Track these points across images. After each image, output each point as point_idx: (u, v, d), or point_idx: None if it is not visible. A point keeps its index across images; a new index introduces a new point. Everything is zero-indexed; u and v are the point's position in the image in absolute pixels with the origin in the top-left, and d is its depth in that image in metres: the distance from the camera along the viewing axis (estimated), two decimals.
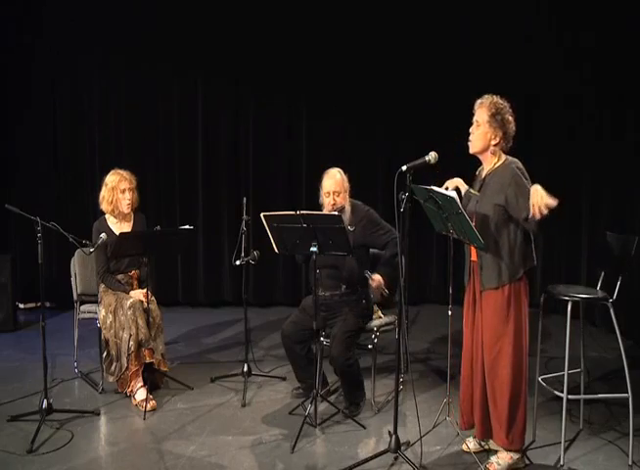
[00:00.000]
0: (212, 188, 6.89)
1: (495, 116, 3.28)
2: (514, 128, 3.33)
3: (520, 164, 3.30)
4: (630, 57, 5.62)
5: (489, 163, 3.37)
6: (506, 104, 3.33)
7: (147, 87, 6.72)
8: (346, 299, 4.16)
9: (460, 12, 6.40)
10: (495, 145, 3.32)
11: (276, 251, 4.05)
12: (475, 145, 3.36)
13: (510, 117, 3.31)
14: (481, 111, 3.33)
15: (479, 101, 3.37)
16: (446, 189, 3.38)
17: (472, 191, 3.44)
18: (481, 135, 3.32)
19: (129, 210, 4.54)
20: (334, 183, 4.16)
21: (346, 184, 4.20)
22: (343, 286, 4.15)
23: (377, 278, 4.11)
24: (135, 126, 6.77)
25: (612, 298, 3.55)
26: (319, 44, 6.60)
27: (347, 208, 4.18)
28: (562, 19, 6.21)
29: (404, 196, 3.27)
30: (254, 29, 6.60)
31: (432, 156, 3.33)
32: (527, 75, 6.35)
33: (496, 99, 3.33)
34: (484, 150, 3.35)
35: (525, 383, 3.35)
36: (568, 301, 3.51)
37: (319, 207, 4.26)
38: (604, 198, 6.08)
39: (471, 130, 3.37)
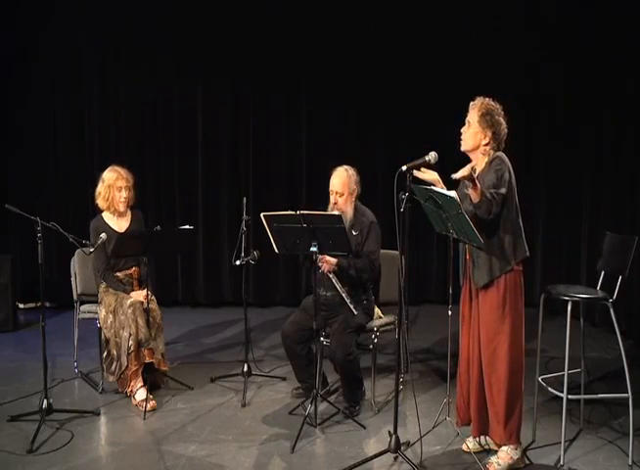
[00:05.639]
0: (212, 188, 6.89)
1: (485, 116, 3.36)
2: (505, 129, 3.40)
3: (504, 156, 3.35)
4: (630, 56, 5.62)
5: (481, 162, 3.43)
6: (497, 106, 3.42)
7: (147, 87, 6.72)
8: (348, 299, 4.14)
9: (460, 11, 6.41)
10: (486, 145, 3.39)
11: (276, 251, 4.04)
12: (466, 143, 3.45)
13: (500, 119, 3.39)
14: (473, 112, 3.43)
15: (471, 103, 3.46)
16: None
17: (467, 183, 3.44)
18: (472, 134, 3.41)
19: (125, 208, 4.54)
20: (338, 183, 4.15)
21: (353, 186, 4.17)
22: (346, 287, 4.14)
23: (330, 261, 4.04)
24: (135, 126, 6.76)
25: (612, 298, 3.55)
26: (319, 44, 6.60)
27: (350, 210, 4.15)
28: (564, 19, 6.23)
29: (404, 196, 3.28)
30: (255, 29, 6.59)
31: (432, 156, 3.34)
32: (528, 76, 6.34)
33: (487, 100, 3.43)
34: (475, 148, 3.42)
35: (522, 379, 3.36)
36: (568, 301, 3.51)
37: (319, 207, 4.25)
38: (604, 198, 6.08)
39: (462, 130, 3.46)
